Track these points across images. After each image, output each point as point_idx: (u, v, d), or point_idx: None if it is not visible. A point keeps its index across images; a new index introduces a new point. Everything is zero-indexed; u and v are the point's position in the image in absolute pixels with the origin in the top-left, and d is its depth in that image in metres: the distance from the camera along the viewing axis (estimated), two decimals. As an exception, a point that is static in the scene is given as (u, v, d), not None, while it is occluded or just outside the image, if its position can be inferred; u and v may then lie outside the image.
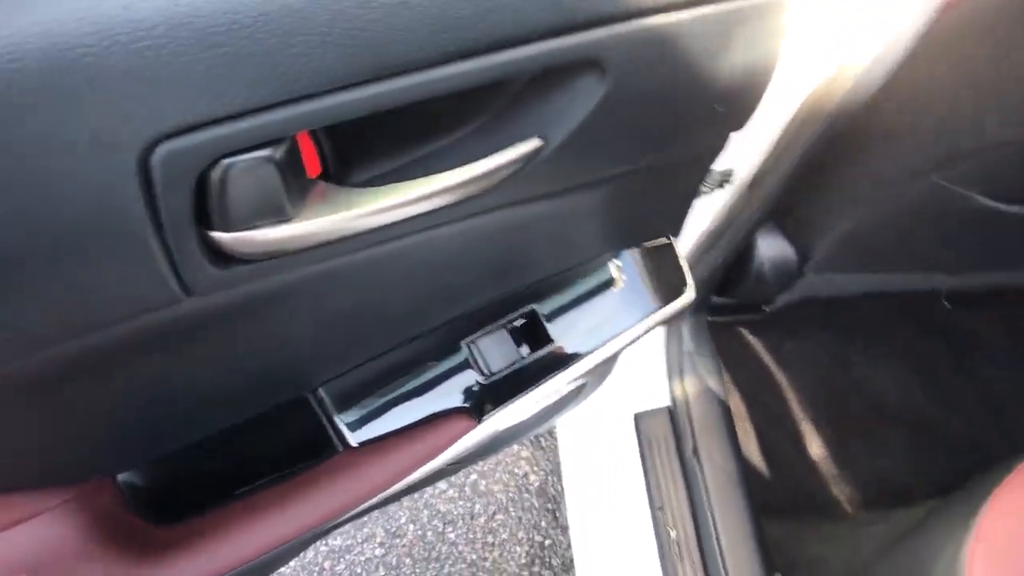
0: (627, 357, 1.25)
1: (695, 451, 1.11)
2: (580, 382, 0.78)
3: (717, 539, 1.05)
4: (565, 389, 0.76)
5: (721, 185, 0.98)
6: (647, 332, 0.77)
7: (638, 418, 1.17)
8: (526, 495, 1.49)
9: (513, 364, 0.73)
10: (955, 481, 0.89)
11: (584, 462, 1.32)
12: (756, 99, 0.59)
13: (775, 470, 1.26)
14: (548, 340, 0.73)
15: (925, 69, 0.86)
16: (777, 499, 1.23)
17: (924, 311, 1.41)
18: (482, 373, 0.73)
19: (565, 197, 0.60)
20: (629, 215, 0.71)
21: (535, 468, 1.52)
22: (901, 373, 1.36)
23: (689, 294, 0.77)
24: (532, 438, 1.54)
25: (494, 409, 0.72)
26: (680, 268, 0.78)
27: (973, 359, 1.43)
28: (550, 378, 0.74)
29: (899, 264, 1.25)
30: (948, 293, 1.38)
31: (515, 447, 1.53)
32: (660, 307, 0.77)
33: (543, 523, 1.46)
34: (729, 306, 1.29)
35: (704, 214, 1.02)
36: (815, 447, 1.28)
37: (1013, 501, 0.84)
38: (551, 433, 1.54)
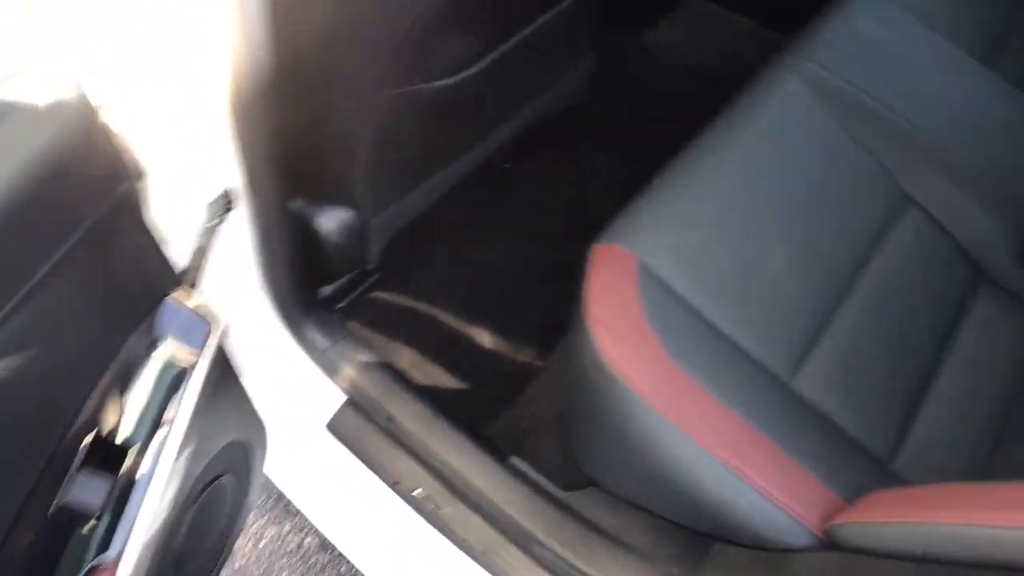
0: (288, 396, 1.27)
1: (388, 418, 1.16)
2: (189, 447, 0.78)
3: (453, 470, 1.12)
4: (181, 469, 0.76)
5: (228, 210, 1.01)
6: (208, 377, 0.79)
7: (330, 427, 1.20)
8: (313, 558, 1.47)
9: (112, 489, 0.72)
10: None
11: (322, 498, 1.33)
12: (109, 150, 0.61)
13: (469, 380, 1.35)
14: (124, 450, 0.73)
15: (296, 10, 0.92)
16: (486, 404, 1.33)
17: (490, 181, 1.57)
18: (95, 518, 0.72)
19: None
20: (111, 302, 0.71)
21: (303, 532, 1.50)
22: (498, 241, 1.52)
23: (219, 325, 0.80)
24: (282, 509, 1.52)
25: (117, 536, 0.71)
26: (203, 309, 0.80)
27: (544, 199, 1.62)
28: (152, 474, 0.74)
29: (430, 168, 1.36)
30: (499, 155, 1.54)
31: (274, 530, 1.50)
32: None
33: (342, 568, 1.46)
34: (342, 288, 1.35)
35: (240, 240, 1.04)
36: (484, 337, 1.39)
37: (599, 282, 0.98)
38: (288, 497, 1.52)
